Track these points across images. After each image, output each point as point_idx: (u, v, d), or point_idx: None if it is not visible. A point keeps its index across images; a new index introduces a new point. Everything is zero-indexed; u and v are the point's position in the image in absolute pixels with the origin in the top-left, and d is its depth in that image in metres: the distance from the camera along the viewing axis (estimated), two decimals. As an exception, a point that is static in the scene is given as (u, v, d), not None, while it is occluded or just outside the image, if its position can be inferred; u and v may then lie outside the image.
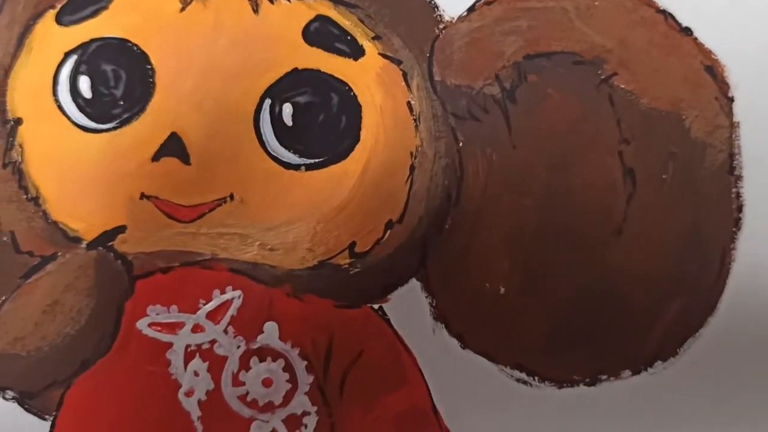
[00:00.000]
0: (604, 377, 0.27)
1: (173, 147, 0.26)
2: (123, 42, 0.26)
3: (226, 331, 0.27)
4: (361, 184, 0.26)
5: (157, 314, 0.27)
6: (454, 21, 0.26)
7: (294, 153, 0.26)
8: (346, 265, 0.27)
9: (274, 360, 0.27)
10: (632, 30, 0.26)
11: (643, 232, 0.27)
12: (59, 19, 0.26)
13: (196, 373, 0.27)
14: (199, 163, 0.26)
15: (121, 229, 0.27)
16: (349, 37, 0.26)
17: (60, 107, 0.26)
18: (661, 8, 0.26)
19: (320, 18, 0.26)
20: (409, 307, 0.27)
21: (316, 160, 0.26)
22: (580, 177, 0.27)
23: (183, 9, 0.26)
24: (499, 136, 0.26)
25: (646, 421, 0.27)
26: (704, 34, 0.26)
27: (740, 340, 0.27)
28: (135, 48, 0.26)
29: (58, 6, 0.26)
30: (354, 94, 0.26)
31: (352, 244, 0.27)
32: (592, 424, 0.27)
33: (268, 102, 0.26)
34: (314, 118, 0.26)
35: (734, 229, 0.27)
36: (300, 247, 0.27)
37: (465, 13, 0.26)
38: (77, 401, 0.27)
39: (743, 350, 0.27)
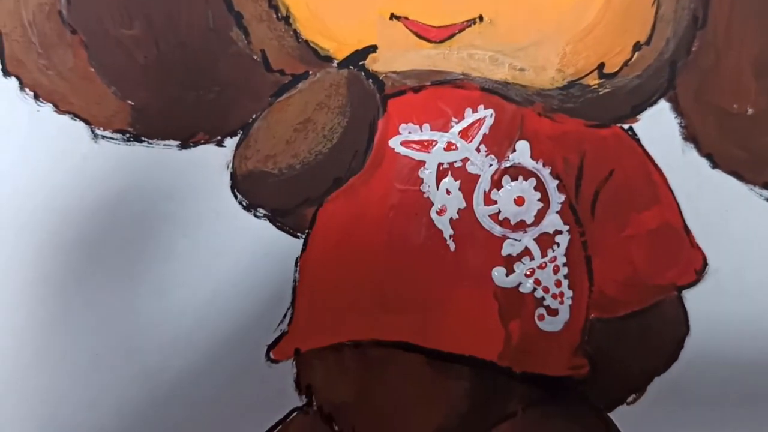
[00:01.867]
0: None
1: (421, -32, 0.27)
2: None
3: (478, 150, 0.28)
4: (609, 6, 0.27)
5: (410, 132, 0.28)
6: None
7: (542, -25, 0.27)
8: (596, 86, 0.28)
9: (525, 179, 0.28)
10: None
11: None
12: None
13: (448, 192, 0.28)
14: (448, -17, 0.27)
15: (371, 49, 0.28)
16: None
17: (302, -75, 0.27)
18: None
19: None
20: (658, 128, 0.28)
21: (564, -17, 0.27)
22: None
23: None
24: (745, -41, 0.27)
25: None
26: None
27: None
28: None
29: None
30: None
31: (601, 65, 0.28)
32: None
33: (512, -76, 0.27)
34: (557, -60, 0.27)
35: None
36: (549, 68, 0.28)
37: None
38: (330, 219, 0.28)
39: None
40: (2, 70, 0.28)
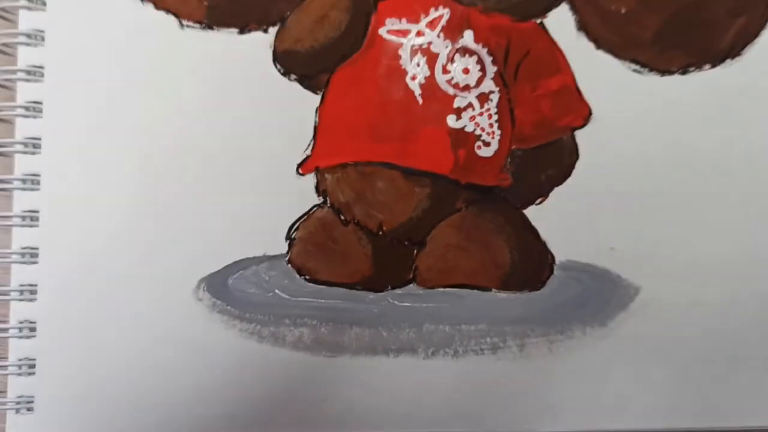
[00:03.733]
0: (692, 68, 0.38)
1: None
2: None
3: (438, 36, 0.37)
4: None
5: (393, 24, 0.37)
6: None
7: None
8: None
9: (470, 56, 0.37)
10: None
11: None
12: None
13: (418, 64, 0.37)
14: None
15: None
16: None
17: None
18: None
19: None
20: (561, 22, 0.37)
21: None
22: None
23: None
24: None
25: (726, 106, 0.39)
26: None
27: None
28: None
29: None
30: None
31: None
32: (681, 112, 0.39)
33: None
34: None
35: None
36: None
37: None
38: (339, 81, 0.38)
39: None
40: (119, -19, 0.37)
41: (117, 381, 0.38)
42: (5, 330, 0.37)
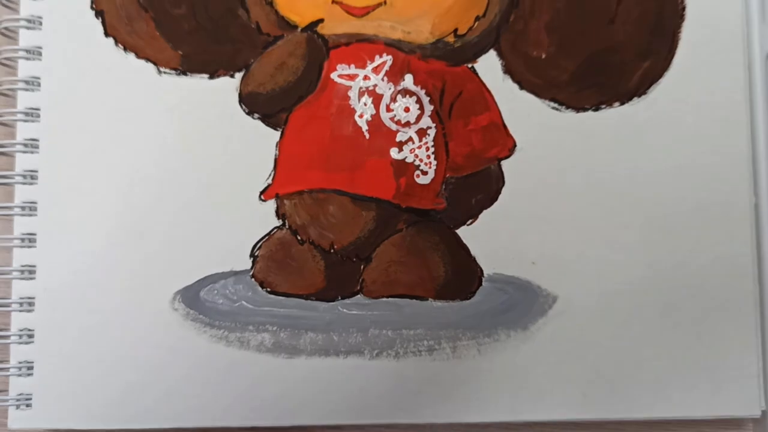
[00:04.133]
0: (604, 106, 0.42)
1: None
2: None
3: (383, 79, 0.41)
4: (462, -7, 0.43)
5: (343, 69, 0.41)
6: None
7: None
8: (452, 42, 0.41)
9: (410, 96, 0.41)
10: None
11: (627, 21, 0.42)
12: None
13: (365, 104, 0.41)
14: (365, -15, 0.42)
15: (320, 21, 0.41)
16: None
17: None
18: None
19: None
20: (489, 66, 0.42)
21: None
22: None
23: None
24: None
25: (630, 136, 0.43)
26: None
27: (690, 92, 0.44)
28: None
29: None
30: None
31: (456, 30, 0.41)
32: (594, 144, 0.43)
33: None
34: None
35: (680, 19, 0.43)
36: (425, 31, 0.41)
37: None
38: (296, 119, 0.41)
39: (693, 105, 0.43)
40: (104, 32, 0.42)
41: (104, 379, 0.41)
42: (7, 337, 0.41)
